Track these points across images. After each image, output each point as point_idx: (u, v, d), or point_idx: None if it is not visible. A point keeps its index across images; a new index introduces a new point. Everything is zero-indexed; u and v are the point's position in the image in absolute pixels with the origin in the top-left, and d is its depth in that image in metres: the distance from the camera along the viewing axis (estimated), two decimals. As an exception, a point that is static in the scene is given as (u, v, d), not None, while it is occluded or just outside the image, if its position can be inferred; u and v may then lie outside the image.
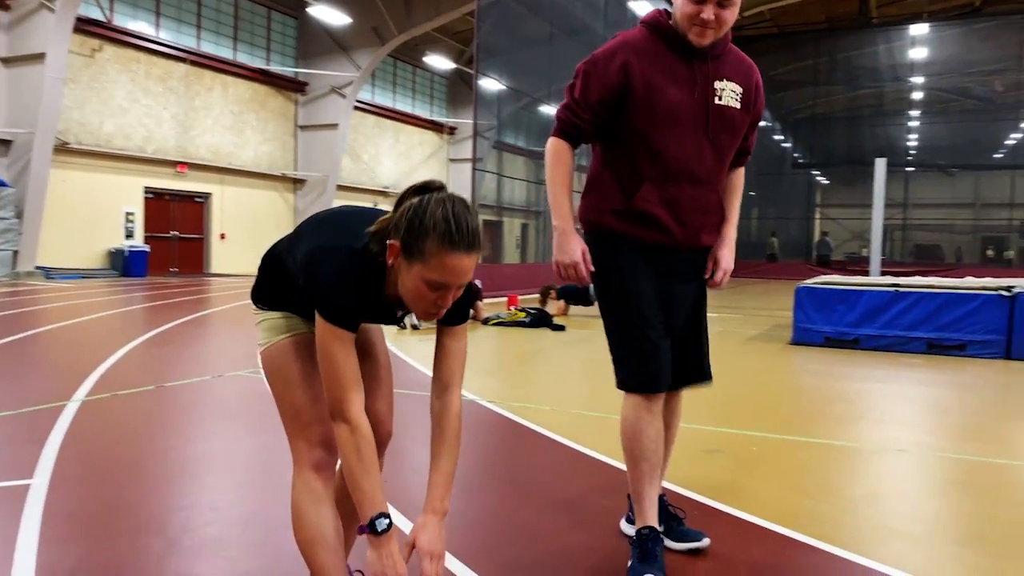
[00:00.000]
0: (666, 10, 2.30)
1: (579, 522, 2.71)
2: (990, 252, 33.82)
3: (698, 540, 2.43)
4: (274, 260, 1.90)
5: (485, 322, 9.65)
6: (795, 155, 35.02)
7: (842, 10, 27.93)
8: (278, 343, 1.88)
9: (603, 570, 2.33)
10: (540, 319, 9.34)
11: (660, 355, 2.24)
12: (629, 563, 2.26)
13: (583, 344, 8.09)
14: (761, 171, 31.98)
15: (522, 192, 16.23)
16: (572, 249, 2.27)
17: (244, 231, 23.90)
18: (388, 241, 1.67)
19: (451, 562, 2.31)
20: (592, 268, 2.30)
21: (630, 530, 2.45)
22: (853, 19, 27.83)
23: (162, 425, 3.98)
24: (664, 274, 2.30)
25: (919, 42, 27.71)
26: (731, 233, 2.41)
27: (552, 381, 5.86)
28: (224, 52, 23.26)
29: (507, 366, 6.67)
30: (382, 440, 1.97)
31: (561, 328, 9.19)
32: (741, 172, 2.49)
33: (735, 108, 2.28)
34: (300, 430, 1.84)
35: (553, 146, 2.31)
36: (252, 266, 5.79)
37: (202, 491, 2.96)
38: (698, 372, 2.40)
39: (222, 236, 23.31)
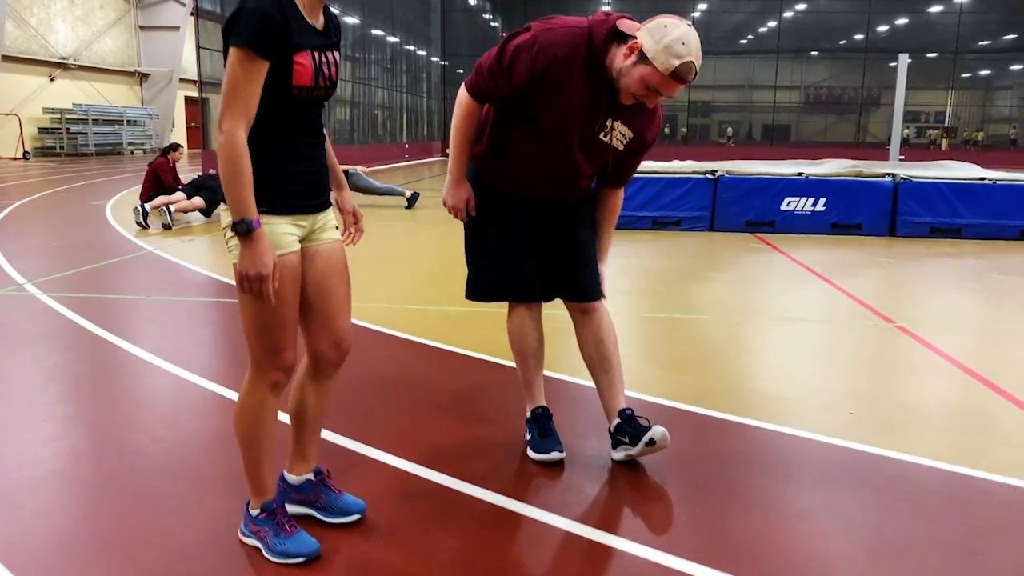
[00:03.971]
0: (609, 31, 2.29)
1: (474, 417, 3.17)
2: (666, 130, 38.42)
3: (648, 429, 2.50)
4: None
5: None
6: (503, 35, 36.19)
7: None
8: None
9: (508, 452, 2.84)
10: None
11: (516, 275, 2.59)
12: (528, 437, 2.72)
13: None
14: (475, 53, 32.77)
15: (221, 64, 15.09)
16: (459, 195, 2.56)
17: None
18: None
19: (376, 454, 2.67)
20: (474, 213, 2.57)
21: (613, 454, 2.64)
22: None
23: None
24: (516, 204, 2.58)
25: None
26: (606, 257, 2.68)
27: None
28: None
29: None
30: (342, 356, 2.13)
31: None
32: (620, 195, 2.68)
33: (616, 148, 2.45)
34: (264, 349, 1.94)
35: (466, 104, 2.44)
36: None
37: None
38: (577, 288, 2.61)
39: None
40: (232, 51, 1.77)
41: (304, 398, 2.13)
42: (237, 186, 1.77)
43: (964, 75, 37.15)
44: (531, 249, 2.61)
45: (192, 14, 25.30)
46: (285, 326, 1.95)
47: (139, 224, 8.37)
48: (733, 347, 4.18)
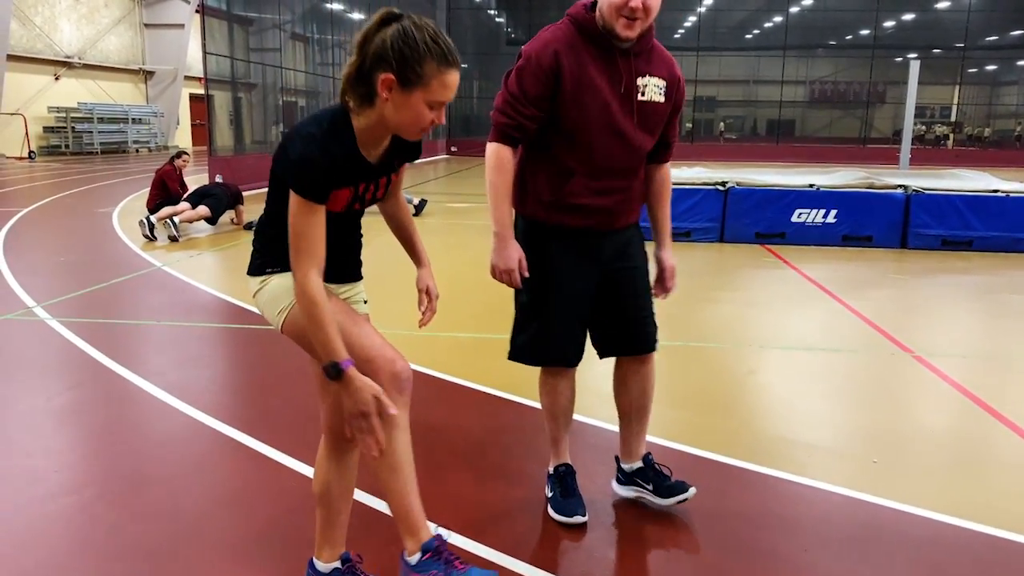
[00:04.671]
0: (587, 4, 2.31)
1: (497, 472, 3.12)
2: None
3: (684, 491, 2.57)
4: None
5: (248, 227, 9.30)
6: (509, 31, 36.10)
7: None
8: None
9: (530, 510, 2.80)
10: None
11: (574, 339, 2.49)
12: (550, 495, 2.63)
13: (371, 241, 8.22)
14: (478, 50, 32.67)
15: (226, 62, 14.93)
16: (510, 256, 2.36)
17: None
18: (380, 76, 1.70)
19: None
20: (527, 274, 2.39)
21: (620, 490, 2.72)
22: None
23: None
24: (586, 256, 2.44)
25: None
26: (669, 239, 2.60)
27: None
28: None
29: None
30: (408, 379, 1.90)
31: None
32: (668, 170, 2.59)
33: (659, 102, 2.37)
34: (376, 360, 1.82)
35: (495, 153, 2.34)
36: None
37: None
38: (642, 341, 2.57)
39: None
40: (292, 196, 1.74)
41: (327, 477, 2.06)
42: (318, 333, 1.74)
43: (971, 71, 36.90)
44: (588, 308, 2.51)
45: (197, 11, 25.10)
46: (371, 331, 1.89)
47: (146, 236, 8.35)
48: (751, 382, 4.13)
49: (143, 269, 6.82)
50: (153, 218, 8.47)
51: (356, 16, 25.13)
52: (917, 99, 12.80)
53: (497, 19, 35.49)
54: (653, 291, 2.61)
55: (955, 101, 38.53)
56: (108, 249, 7.91)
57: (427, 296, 2.20)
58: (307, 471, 2.87)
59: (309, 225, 1.75)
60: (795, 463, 3.06)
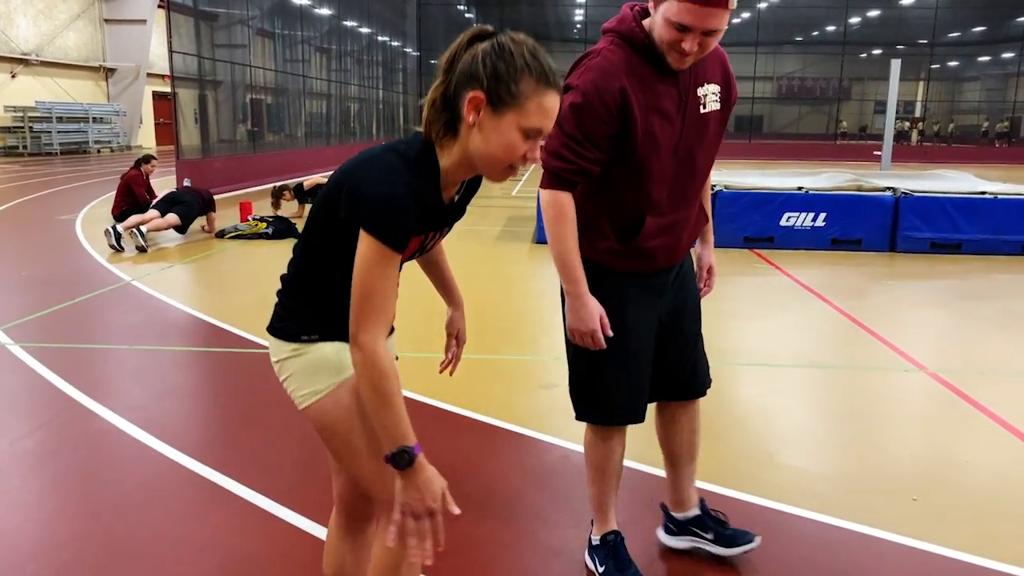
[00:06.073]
0: (636, 14, 2.07)
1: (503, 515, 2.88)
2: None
3: (750, 541, 2.42)
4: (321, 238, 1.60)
5: (220, 235, 8.93)
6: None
7: None
8: (343, 385, 1.59)
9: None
10: (283, 228, 8.87)
11: (645, 391, 2.29)
12: (601, 569, 2.33)
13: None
14: (448, 46, 32.30)
15: (192, 59, 14.46)
16: (591, 316, 2.08)
17: None
18: (468, 94, 1.44)
19: None
20: (610, 333, 2.11)
21: (671, 541, 2.53)
22: None
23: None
24: (654, 294, 2.25)
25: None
26: (710, 236, 2.43)
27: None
28: None
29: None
30: (372, 505, 1.78)
31: (308, 238, 8.85)
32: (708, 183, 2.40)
33: (717, 111, 2.18)
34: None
35: (554, 202, 2.06)
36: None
37: None
38: (698, 382, 2.41)
39: None
40: (366, 242, 1.44)
41: (340, 557, 1.83)
42: (387, 413, 1.45)
43: (934, 67, 37.42)
44: (652, 356, 2.29)
45: (160, 6, 24.31)
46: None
47: (112, 247, 7.94)
48: (762, 405, 3.93)
49: (111, 284, 6.46)
50: (120, 227, 8.07)
51: (324, 12, 24.61)
52: (885, 96, 12.74)
53: (467, 15, 35.11)
54: None
55: (920, 97, 39.06)
56: (72, 261, 7.51)
57: (456, 340, 2.00)
58: (312, 529, 2.61)
59: (385, 279, 1.45)
60: (833, 504, 2.86)
